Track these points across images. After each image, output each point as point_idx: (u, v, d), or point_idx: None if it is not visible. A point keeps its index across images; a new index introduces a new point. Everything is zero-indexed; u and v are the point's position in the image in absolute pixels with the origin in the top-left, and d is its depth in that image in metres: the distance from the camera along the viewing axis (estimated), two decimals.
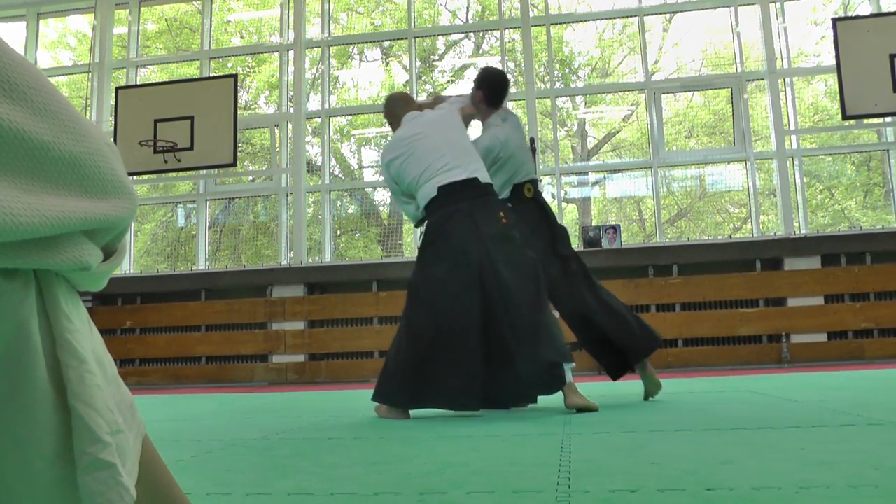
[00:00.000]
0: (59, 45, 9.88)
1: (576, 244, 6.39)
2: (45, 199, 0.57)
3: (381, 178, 9.15)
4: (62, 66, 9.45)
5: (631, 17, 8.36)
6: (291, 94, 8.52)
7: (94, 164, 0.62)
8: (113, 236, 0.67)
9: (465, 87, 9.35)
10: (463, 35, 9.64)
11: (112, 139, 7.86)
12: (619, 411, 3.27)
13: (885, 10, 7.64)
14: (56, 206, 0.58)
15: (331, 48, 8.80)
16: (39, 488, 0.60)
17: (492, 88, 3.97)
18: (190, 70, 9.03)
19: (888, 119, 7.43)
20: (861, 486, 1.48)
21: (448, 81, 9.61)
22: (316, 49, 8.68)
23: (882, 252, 7.04)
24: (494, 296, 3.37)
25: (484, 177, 3.64)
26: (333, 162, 9.37)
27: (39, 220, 0.56)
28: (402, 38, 8.73)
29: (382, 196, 9.26)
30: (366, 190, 9.16)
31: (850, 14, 8.15)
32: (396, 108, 3.96)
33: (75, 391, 0.61)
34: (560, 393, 3.33)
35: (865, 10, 7.93)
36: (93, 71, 8.71)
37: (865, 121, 7.54)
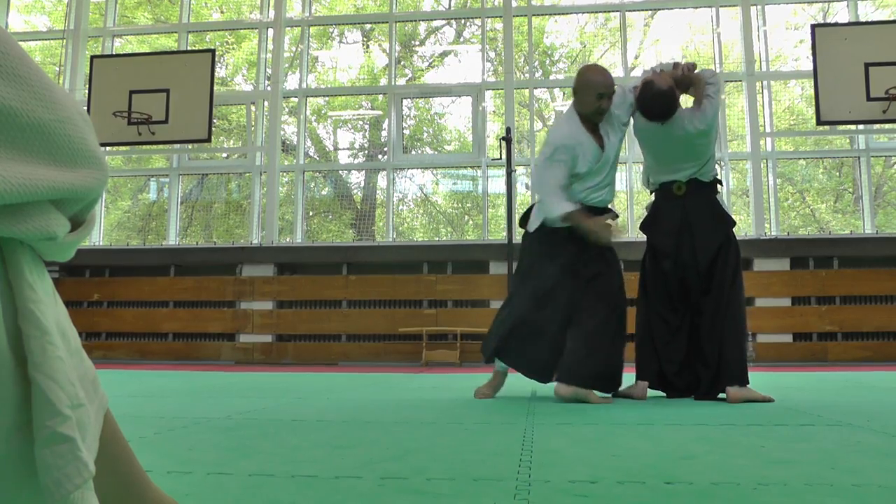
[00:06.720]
0: (34, 8, 9.67)
1: None
2: (11, 167, 0.55)
3: (356, 161, 9.12)
4: (35, 31, 9.27)
5: (613, 11, 8.37)
6: (269, 72, 8.43)
7: (64, 132, 0.61)
8: (81, 207, 0.66)
9: (445, 73, 9.34)
10: (444, 21, 9.59)
11: (85, 109, 7.78)
12: (584, 404, 3.29)
13: (862, 18, 7.73)
14: (23, 173, 0.56)
15: (311, 28, 8.72)
16: None
17: None
18: (168, 42, 8.90)
19: (861, 127, 7.53)
20: (817, 484, 1.50)
21: (428, 66, 9.57)
22: (296, 28, 8.60)
23: (849, 257, 7.16)
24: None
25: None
26: (309, 143, 9.30)
27: (5, 188, 0.54)
28: (383, 22, 8.68)
29: (357, 179, 9.20)
30: (340, 172, 9.11)
31: (828, 20, 8.23)
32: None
33: (36, 362, 0.60)
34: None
35: (844, 17, 8.01)
36: (67, 38, 8.55)
37: (839, 127, 7.63)
